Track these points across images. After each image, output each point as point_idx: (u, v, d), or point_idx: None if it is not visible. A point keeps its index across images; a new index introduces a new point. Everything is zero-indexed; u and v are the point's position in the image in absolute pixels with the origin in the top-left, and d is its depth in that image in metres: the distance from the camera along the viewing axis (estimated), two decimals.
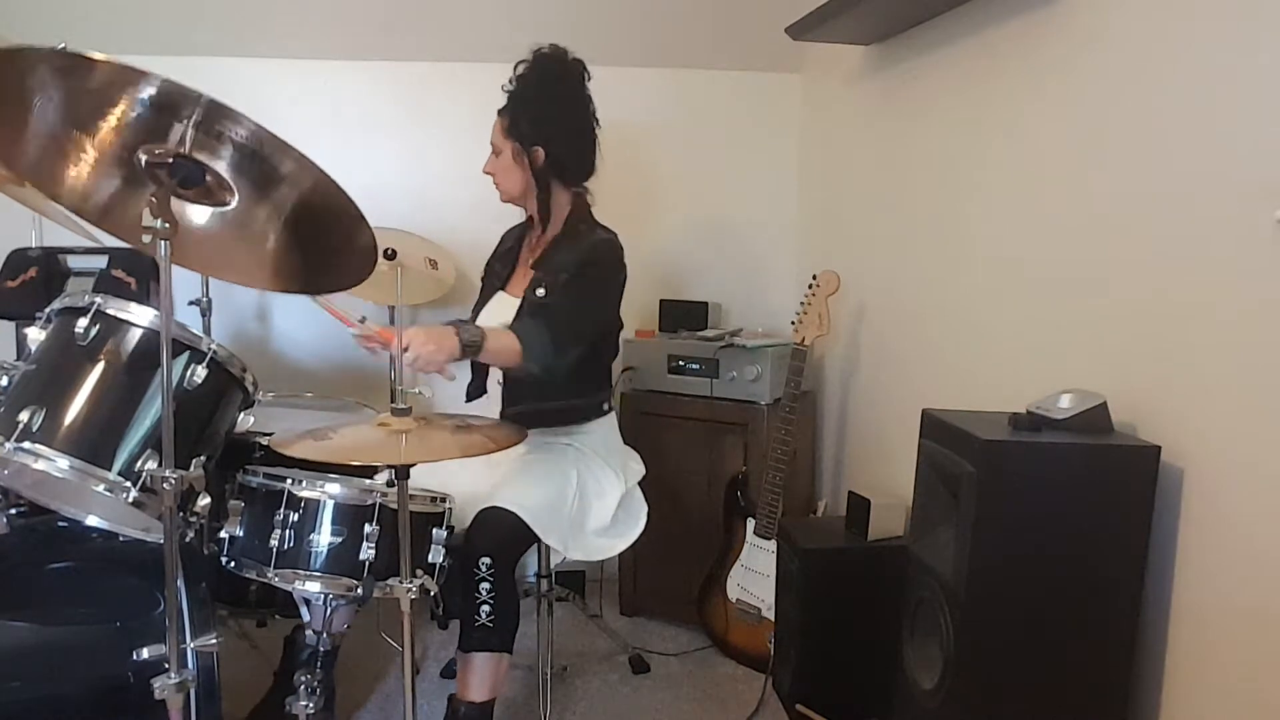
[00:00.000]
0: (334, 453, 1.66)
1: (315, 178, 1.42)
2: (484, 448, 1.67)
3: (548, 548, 2.40)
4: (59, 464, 1.56)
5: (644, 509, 2.31)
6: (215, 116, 1.33)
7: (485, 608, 1.90)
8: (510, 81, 2.18)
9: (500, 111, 2.19)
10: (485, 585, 1.90)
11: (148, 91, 1.28)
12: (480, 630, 1.91)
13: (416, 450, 1.62)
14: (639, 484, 2.35)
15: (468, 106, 3.01)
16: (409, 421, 1.65)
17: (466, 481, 2.09)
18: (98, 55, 1.22)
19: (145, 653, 1.52)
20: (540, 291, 2.15)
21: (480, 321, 2.22)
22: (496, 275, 2.34)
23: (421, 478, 1.96)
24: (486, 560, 1.90)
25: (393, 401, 1.71)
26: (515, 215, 2.36)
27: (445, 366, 1.92)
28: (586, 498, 2.20)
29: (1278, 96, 1.36)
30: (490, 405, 2.26)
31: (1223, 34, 1.46)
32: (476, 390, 2.32)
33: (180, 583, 1.62)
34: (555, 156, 2.17)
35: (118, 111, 1.34)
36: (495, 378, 2.24)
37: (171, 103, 1.30)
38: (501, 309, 2.23)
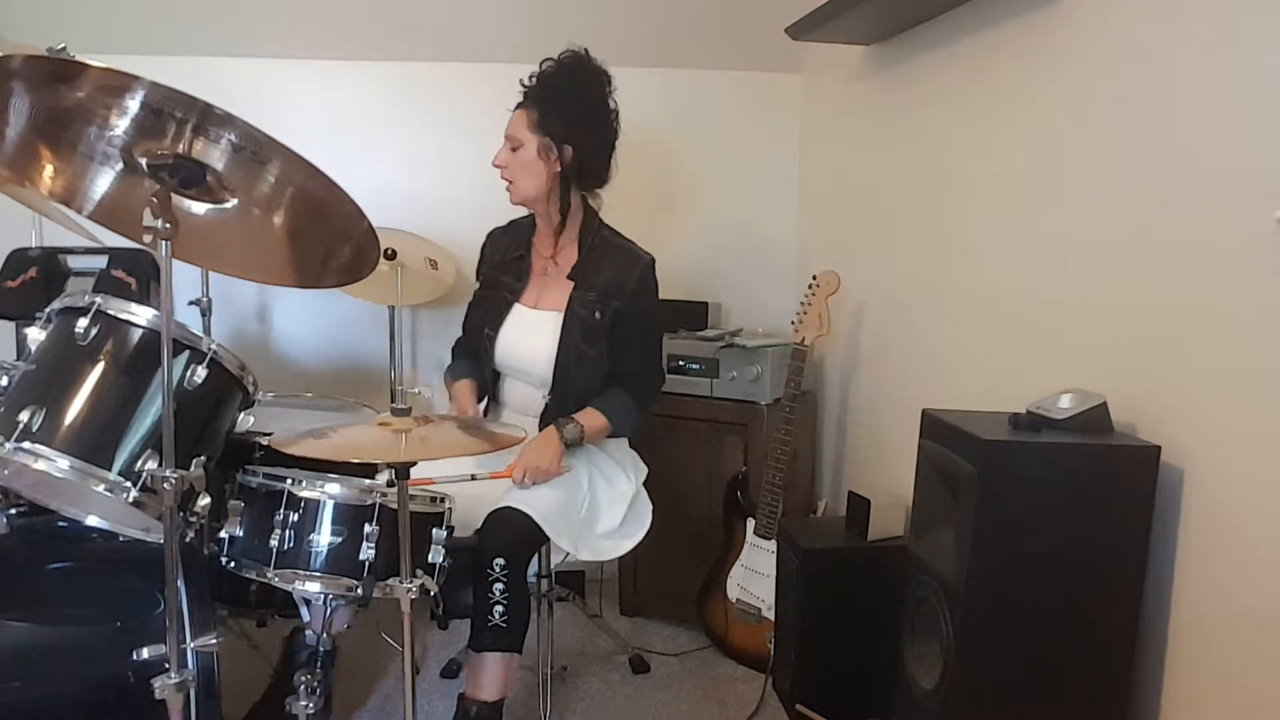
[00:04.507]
0: (336, 451, 1.65)
1: (312, 176, 1.42)
2: (484, 448, 1.67)
3: (549, 547, 2.40)
4: (59, 464, 1.56)
5: (649, 508, 2.32)
6: (211, 118, 1.33)
7: (499, 608, 1.90)
8: (532, 77, 2.15)
9: (524, 104, 2.14)
10: (499, 586, 1.90)
11: (141, 95, 1.28)
12: (493, 631, 1.91)
13: (417, 450, 1.62)
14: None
15: (468, 106, 3.03)
16: (410, 421, 1.64)
17: (481, 468, 2.10)
18: (92, 61, 1.22)
19: (145, 653, 1.52)
20: (598, 315, 2.16)
21: (504, 336, 2.23)
22: (506, 287, 2.27)
23: (433, 470, 1.98)
24: (500, 561, 1.90)
25: (393, 401, 1.71)
26: (513, 215, 2.36)
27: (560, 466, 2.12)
28: (599, 500, 2.20)
29: (1278, 96, 1.36)
30: (525, 419, 2.24)
31: (1223, 34, 1.46)
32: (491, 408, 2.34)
33: (180, 583, 1.62)
34: (582, 158, 2.15)
35: (112, 114, 1.34)
36: (539, 394, 2.22)
37: (167, 106, 1.30)
38: (529, 324, 2.22)
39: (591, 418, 2.16)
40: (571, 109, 2.13)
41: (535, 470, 2.05)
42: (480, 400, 2.29)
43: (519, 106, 2.15)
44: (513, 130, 2.14)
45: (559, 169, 2.15)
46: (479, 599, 1.91)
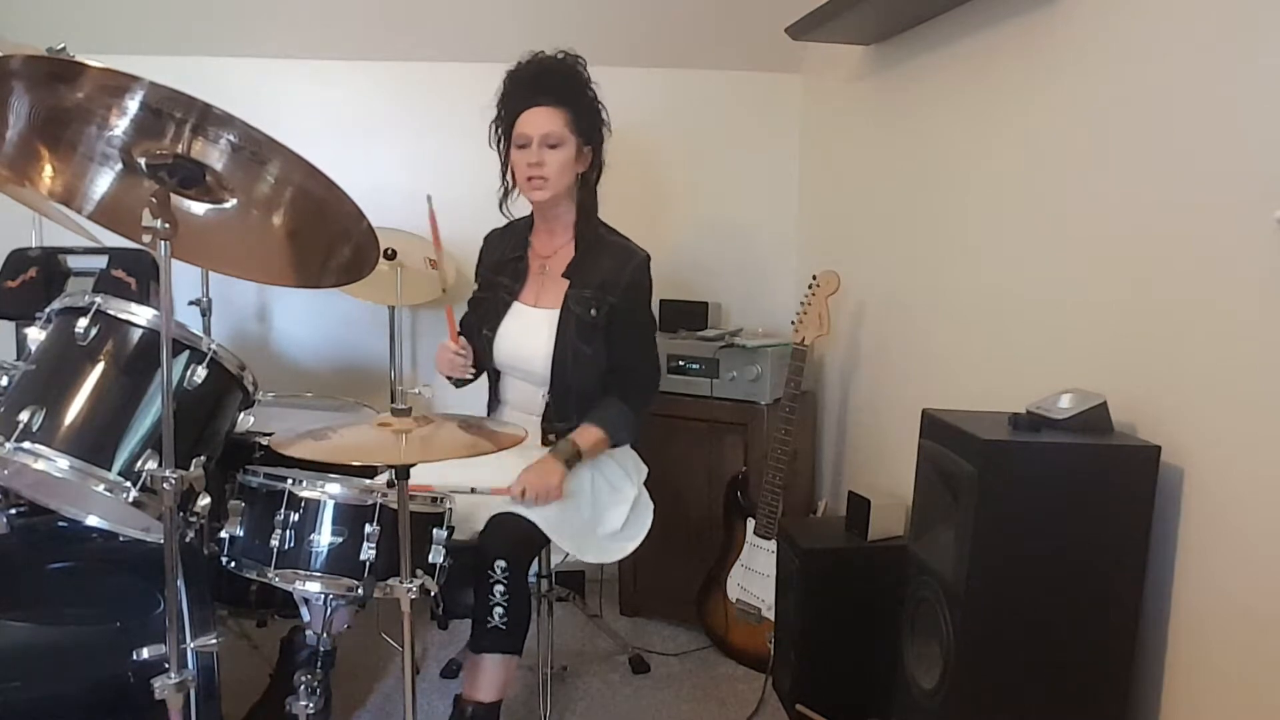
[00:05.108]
0: (336, 452, 1.65)
1: (311, 176, 1.42)
2: (485, 448, 1.67)
3: (549, 547, 2.40)
4: (59, 464, 1.56)
5: (650, 508, 2.31)
6: (211, 118, 1.33)
7: (499, 610, 1.90)
8: (522, 73, 2.15)
9: (549, 102, 2.11)
10: (499, 588, 1.90)
11: (140, 95, 1.28)
12: (493, 633, 1.91)
13: (417, 450, 1.62)
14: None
15: (468, 106, 3.00)
16: (410, 421, 1.64)
17: (483, 481, 2.09)
18: (92, 61, 1.22)
19: (145, 653, 1.52)
20: (593, 312, 2.15)
21: (503, 333, 2.22)
22: (504, 287, 2.27)
23: (435, 479, 1.97)
24: (502, 564, 1.90)
25: (393, 401, 1.71)
26: (516, 214, 2.35)
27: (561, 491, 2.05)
28: (601, 501, 2.20)
29: (1278, 96, 1.36)
30: (528, 417, 2.23)
31: (1223, 34, 1.46)
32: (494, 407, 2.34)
33: (180, 583, 1.62)
34: (598, 159, 2.20)
35: (112, 114, 1.34)
36: (540, 393, 2.21)
37: (166, 106, 1.30)
38: (528, 322, 2.21)
39: (587, 434, 2.13)
40: (593, 109, 2.18)
41: (536, 486, 2.00)
42: (473, 358, 2.22)
43: (538, 104, 2.12)
44: (551, 127, 2.10)
45: (584, 169, 2.18)
46: (479, 600, 1.90)
